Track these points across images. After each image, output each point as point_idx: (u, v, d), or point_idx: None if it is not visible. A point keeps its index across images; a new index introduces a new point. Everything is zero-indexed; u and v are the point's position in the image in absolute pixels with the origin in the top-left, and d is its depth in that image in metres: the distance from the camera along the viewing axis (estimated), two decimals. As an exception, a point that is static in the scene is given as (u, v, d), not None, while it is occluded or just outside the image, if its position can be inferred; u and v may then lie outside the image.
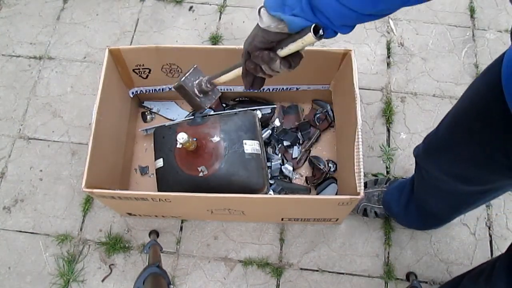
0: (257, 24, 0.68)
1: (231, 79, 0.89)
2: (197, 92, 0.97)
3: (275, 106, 1.48)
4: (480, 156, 0.77)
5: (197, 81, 0.97)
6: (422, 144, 1.00)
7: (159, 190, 1.31)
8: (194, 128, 1.33)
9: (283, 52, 0.67)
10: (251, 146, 1.28)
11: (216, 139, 1.30)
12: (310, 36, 0.61)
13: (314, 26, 0.60)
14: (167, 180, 1.30)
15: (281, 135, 1.44)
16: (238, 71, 0.84)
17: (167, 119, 1.50)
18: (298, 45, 0.64)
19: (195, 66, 0.98)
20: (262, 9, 0.66)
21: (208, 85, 0.95)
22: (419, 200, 1.12)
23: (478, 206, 1.04)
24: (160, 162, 1.32)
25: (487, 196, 0.94)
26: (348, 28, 0.61)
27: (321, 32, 0.61)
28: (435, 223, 1.24)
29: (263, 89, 1.39)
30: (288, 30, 0.64)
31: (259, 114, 1.39)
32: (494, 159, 0.73)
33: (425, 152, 0.98)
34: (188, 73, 0.97)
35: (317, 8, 0.58)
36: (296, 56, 0.69)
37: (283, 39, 0.66)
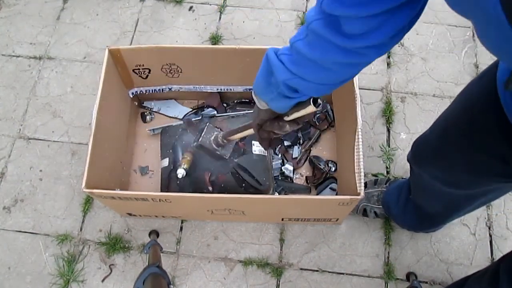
0: (255, 104, 0.79)
1: (244, 136, 1.02)
2: (215, 147, 1.12)
3: None
4: (473, 162, 0.77)
5: (213, 138, 1.12)
6: (411, 152, 1.00)
7: (162, 190, 1.31)
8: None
9: (289, 118, 0.77)
10: (258, 147, 1.28)
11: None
12: (311, 107, 0.71)
13: (313, 99, 0.70)
14: (171, 180, 1.30)
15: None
16: (247, 132, 0.97)
17: (169, 117, 1.50)
18: (302, 113, 0.74)
19: (208, 125, 1.14)
20: (257, 94, 0.75)
21: (224, 141, 1.10)
22: (416, 201, 1.12)
23: (475, 208, 1.03)
24: (165, 162, 1.32)
25: (483, 198, 0.93)
26: (324, 94, 0.69)
27: (319, 101, 0.71)
28: (432, 225, 1.24)
29: (263, 89, 1.39)
30: (279, 112, 0.75)
31: None
32: (488, 165, 0.73)
33: (416, 158, 0.98)
34: (204, 132, 1.13)
35: (294, 88, 0.66)
36: (299, 120, 0.78)
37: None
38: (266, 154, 1.29)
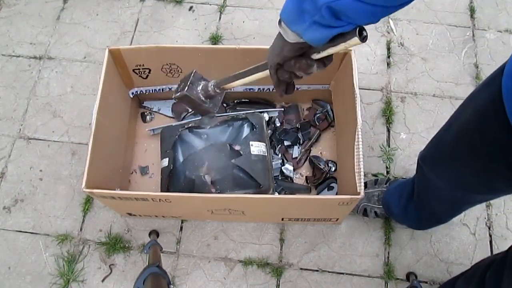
0: (281, 35, 0.66)
1: (246, 83, 0.86)
2: (203, 98, 0.92)
3: (282, 109, 1.48)
4: (485, 167, 0.75)
5: (200, 87, 0.92)
6: (427, 150, 0.97)
7: (162, 190, 1.31)
8: (202, 131, 1.33)
9: (320, 55, 0.65)
10: (257, 148, 1.28)
11: (223, 141, 1.31)
12: (356, 39, 0.58)
13: (359, 29, 0.58)
14: (171, 180, 1.30)
15: (281, 135, 1.44)
16: (255, 76, 0.81)
17: (169, 117, 1.51)
18: (340, 48, 0.62)
19: (194, 71, 0.93)
20: (283, 24, 0.64)
21: (217, 90, 0.91)
22: (420, 201, 1.12)
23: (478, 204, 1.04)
24: (165, 162, 1.32)
25: (489, 199, 0.94)
26: (372, 23, 0.58)
27: (365, 33, 0.58)
28: (433, 224, 1.25)
29: (263, 89, 1.39)
30: (314, 45, 0.62)
31: (266, 116, 1.39)
32: (497, 172, 0.72)
33: (431, 157, 0.95)
34: (189, 80, 0.92)
35: (339, 13, 0.54)
36: (328, 56, 0.66)
37: (306, 46, 0.65)
38: (266, 154, 1.29)
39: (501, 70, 0.66)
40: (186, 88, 0.90)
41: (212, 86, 0.90)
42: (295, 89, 1.38)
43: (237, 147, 1.28)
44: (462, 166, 0.82)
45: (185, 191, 1.23)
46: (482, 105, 0.72)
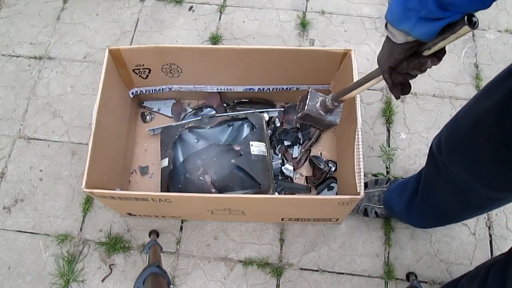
0: (389, 39, 0.67)
1: (361, 92, 0.91)
2: (323, 113, 0.99)
3: (282, 109, 1.48)
4: (499, 158, 0.73)
5: (319, 103, 0.99)
6: (442, 137, 0.91)
7: (162, 190, 1.31)
8: (202, 131, 1.33)
9: (431, 51, 0.65)
10: (257, 148, 1.28)
11: (223, 141, 1.31)
12: (466, 28, 0.58)
13: (467, 17, 0.57)
14: (171, 181, 1.30)
15: (281, 135, 1.44)
16: (369, 84, 0.85)
17: (169, 117, 1.51)
18: (451, 40, 0.61)
19: (310, 90, 1.00)
20: (389, 27, 0.65)
21: (335, 103, 0.96)
22: (426, 197, 1.08)
23: (487, 211, 0.99)
24: (165, 162, 1.32)
25: (498, 204, 0.90)
26: (483, 8, 0.56)
27: (474, 19, 0.58)
28: (438, 223, 1.21)
29: (263, 89, 1.39)
30: (424, 41, 0.63)
31: (266, 116, 1.39)
32: None
33: (448, 145, 0.89)
34: (307, 99, 0.99)
35: (447, 4, 0.54)
36: (441, 49, 0.66)
37: (416, 45, 0.66)
38: (266, 154, 1.29)
39: None
40: (306, 107, 0.98)
41: (329, 101, 0.96)
42: (296, 89, 1.39)
43: (237, 147, 1.28)
44: (478, 154, 0.78)
45: (185, 191, 1.23)
46: (504, 95, 0.69)
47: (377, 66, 0.80)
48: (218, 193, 1.23)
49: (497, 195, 0.85)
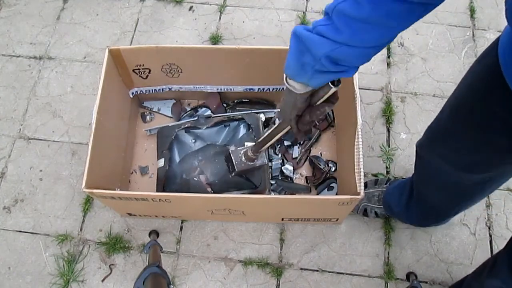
0: (290, 91, 0.75)
1: (274, 143, 1.03)
2: (250, 163, 1.14)
3: (278, 109, 1.48)
4: (482, 140, 0.76)
5: (243, 157, 1.13)
6: (424, 135, 0.98)
7: (157, 190, 1.31)
8: (198, 131, 1.34)
9: (320, 101, 0.77)
10: None
11: (219, 141, 1.31)
12: (331, 88, 0.71)
13: (332, 83, 0.71)
14: (167, 181, 1.30)
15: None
16: (279, 135, 0.96)
17: (169, 117, 1.51)
18: (326, 95, 0.75)
19: (230, 150, 1.16)
20: (289, 81, 0.73)
21: (256, 154, 1.11)
22: (420, 195, 1.12)
23: (478, 199, 1.03)
24: (161, 162, 1.32)
25: (488, 187, 0.93)
26: (366, 62, 0.66)
27: (337, 81, 0.71)
28: (436, 220, 1.24)
29: (263, 89, 1.39)
30: (314, 88, 0.73)
31: (262, 117, 1.39)
32: (496, 143, 0.73)
33: (428, 141, 0.96)
34: (233, 159, 1.14)
35: (337, 60, 0.63)
36: (333, 94, 0.76)
37: (313, 93, 0.76)
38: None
39: (495, 44, 0.68)
40: (235, 167, 1.14)
41: (251, 153, 1.11)
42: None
43: (232, 148, 1.28)
44: (460, 141, 0.83)
45: (181, 191, 1.24)
46: (478, 78, 0.74)
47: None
48: (214, 193, 1.24)
49: (482, 178, 0.89)
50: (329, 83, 0.70)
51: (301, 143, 1.45)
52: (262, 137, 1.03)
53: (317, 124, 1.46)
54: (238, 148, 1.14)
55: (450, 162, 0.89)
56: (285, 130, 0.92)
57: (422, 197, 1.11)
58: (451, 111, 0.84)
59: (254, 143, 1.11)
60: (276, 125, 0.94)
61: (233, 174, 1.16)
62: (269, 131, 0.98)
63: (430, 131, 0.96)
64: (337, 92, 0.76)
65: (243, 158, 1.13)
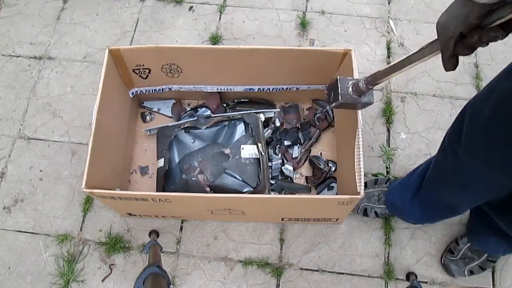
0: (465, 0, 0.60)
1: (402, 72, 0.84)
2: (357, 97, 0.95)
3: (278, 109, 1.48)
4: None
5: (351, 88, 0.95)
6: (465, 123, 0.84)
7: (157, 190, 1.31)
8: (198, 132, 1.34)
9: (496, 23, 0.60)
10: (248, 151, 1.29)
11: (218, 141, 1.31)
12: None
13: None
14: (167, 181, 1.30)
15: (282, 135, 1.44)
16: (425, 59, 0.76)
17: (169, 117, 1.51)
18: (507, 17, 0.58)
19: (338, 78, 0.96)
20: None
21: (369, 86, 0.92)
22: (431, 188, 1.05)
23: (492, 198, 0.94)
24: (161, 162, 1.32)
25: (505, 191, 0.85)
26: None
27: None
28: (443, 214, 1.19)
29: (263, 89, 1.39)
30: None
31: (262, 117, 1.39)
32: None
33: (467, 129, 0.82)
34: (339, 88, 0.95)
35: None
36: (510, 22, 0.60)
37: (491, 12, 0.60)
38: (258, 156, 1.29)
39: None
40: (340, 96, 0.94)
41: (364, 85, 0.92)
42: (296, 89, 1.39)
43: (226, 150, 1.29)
44: (499, 136, 0.74)
45: (180, 191, 1.24)
46: None
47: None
48: (212, 193, 1.24)
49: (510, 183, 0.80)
50: None
51: (301, 143, 1.45)
52: (386, 68, 0.86)
53: (317, 124, 1.46)
54: (348, 78, 0.97)
55: (483, 159, 0.80)
56: (432, 55, 0.73)
57: (433, 191, 1.05)
58: (495, 104, 0.72)
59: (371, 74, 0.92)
60: (423, 47, 0.74)
61: (333, 104, 0.97)
62: (409, 55, 0.78)
63: (469, 121, 0.82)
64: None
65: (351, 89, 0.95)
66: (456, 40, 0.64)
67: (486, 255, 1.24)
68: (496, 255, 1.26)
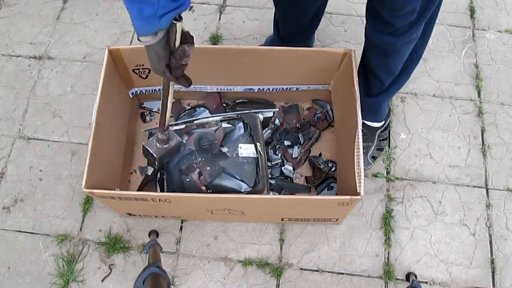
0: (149, 47, 0.80)
1: (171, 107, 1.02)
2: (166, 146, 1.13)
3: (277, 109, 1.48)
4: None
5: (156, 143, 1.12)
6: None
7: (137, 189, 1.35)
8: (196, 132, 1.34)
9: (177, 42, 0.81)
10: (246, 150, 1.29)
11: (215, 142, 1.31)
12: (176, 23, 0.77)
13: (175, 19, 0.77)
14: (166, 181, 1.30)
15: (282, 135, 1.44)
16: (170, 96, 0.97)
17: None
18: (177, 34, 0.80)
19: (143, 144, 1.13)
20: (142, 38, 0.78)
21: (165, 133, 1.10)
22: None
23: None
24: (150, 170, 1.34)
25: None
26: None
27: (179, 17, 0.78)
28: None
29: (263, 89, 1.39)
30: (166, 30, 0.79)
31: (261, 117, 1.39)
32: None
33: None
34: (148, 150, 1.12)
35: None
36: (185, 35, 0.83)
37: (168, 39, 0.81)
38: (257, 156, 1.29)
39: None
40: (154, 154, 1.12)
41: (160, 135, 1.10)
42: (296, 89, 1.39)
43: (224, 149, 1.29)
44: None
45: (178, 192, 1.24)
46: None
47: None
48: (209, 193, 1.24)
49: None
50: (173, 21, 0.77)
51: (301, 143, 1.45)
52: (160, 112, 1.04)
53: (317, 124, 1.46)
54: (149, 139, 1.14)
55: None
56: (171, 89, 0.95)
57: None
58: None
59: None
60: (162, 93, 0.96)
61: (156, 164, 1.15)
62: (160, 102, 1.00)
63: None
64: (188, 32, 0.83)
65: (158, 144, 1.12)
66: (169, 70, 0.85)
67: (378, 139, 1.41)
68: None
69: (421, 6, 0.92)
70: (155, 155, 1.12)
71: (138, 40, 0.78)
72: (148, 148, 1.12)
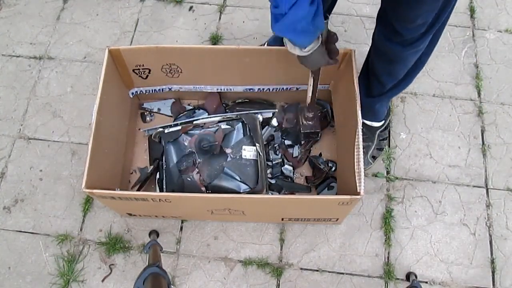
0: (313, 52, 0.93)
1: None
2: (311, 123, 1.34)
3: (276, 110, 1.48)
4: None
5: (304, 121, 1.33)
6: None
7: (133, 187, 1.34)
8: (196, 133, 1.34)
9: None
10: (249, 152, 1.29)
11: (216, 142, 1.31)
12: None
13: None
14: (166, 181, 1.30)
15: (282, 135, 1.44)
16: (316, 85, 1.18)
17: (169, 116, 1.51)
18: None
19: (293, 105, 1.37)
20: (307, 48, 0.90)
21: (311, 111, 1.31)
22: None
23: None
24: (149, 169, 1.34)
25: None
26: None
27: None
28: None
29: (263, 89, 1.39)
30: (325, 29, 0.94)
31: (260, 117, 1.39)
32: None
33: None
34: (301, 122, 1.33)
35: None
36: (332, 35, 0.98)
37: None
38: (258, 157, 1.29)
39: None
40: (302, 129, 1.40)
41: (304, 113, 1.36)
42: (296, 89, 1.40)
43: (228, 150, 1.29)
44: None
45: (178, 192, 1.24)
46: None
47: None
48: (209, 193, 1.24)
49: None
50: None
51: (301, 143, 1.45)
52: (311, 94, 1.22)
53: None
54: (292, 109, 1.34)
55: None
56: (317, 80, 1.15)
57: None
58: None
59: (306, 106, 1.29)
60: (311, 77, 1.14)
61: (303, 135, 1.35)
62: (311, 86, 1.19)
63: None
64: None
65: (304, 121, 1.32)
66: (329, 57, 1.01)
67: (378, 138, 1.44)
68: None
69: (432, 19, 0.93)
70: (302, 129, 1.34)
71: (300, 54, 0.91)
72: (301, 121, 1.34)
